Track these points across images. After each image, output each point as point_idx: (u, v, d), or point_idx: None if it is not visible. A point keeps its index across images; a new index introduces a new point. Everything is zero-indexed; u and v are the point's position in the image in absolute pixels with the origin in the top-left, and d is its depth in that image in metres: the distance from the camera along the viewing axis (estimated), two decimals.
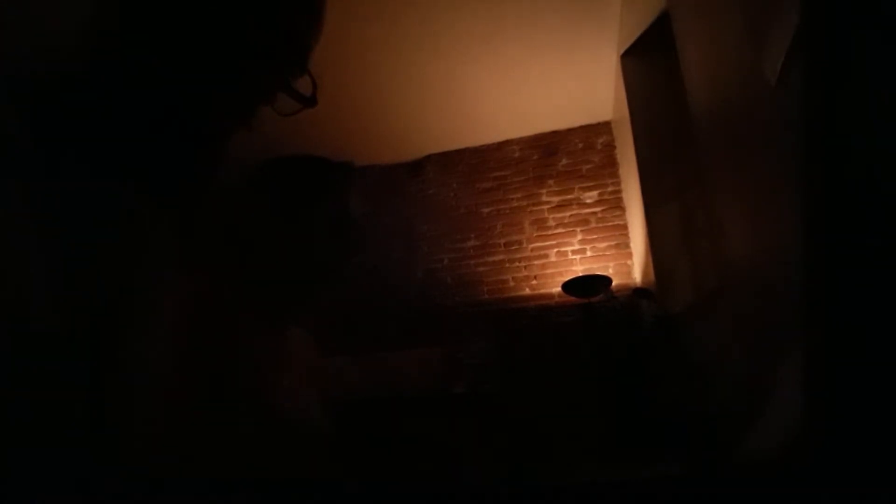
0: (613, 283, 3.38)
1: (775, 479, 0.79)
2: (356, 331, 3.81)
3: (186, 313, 0.65)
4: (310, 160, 0.99)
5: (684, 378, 2.26)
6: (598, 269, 3.63)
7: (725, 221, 1.62)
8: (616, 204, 3.82)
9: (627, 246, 3.69)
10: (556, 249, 3.84)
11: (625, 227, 3.74)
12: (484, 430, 3.16)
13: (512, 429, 3.29)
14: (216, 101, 0.60)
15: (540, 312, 3.71)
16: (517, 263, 3.89)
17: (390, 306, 3.94)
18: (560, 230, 3.88)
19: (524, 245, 3.92)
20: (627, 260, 3.66)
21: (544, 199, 3.98)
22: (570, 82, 3.59)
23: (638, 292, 3.15)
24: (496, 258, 3.94)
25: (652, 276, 2.86)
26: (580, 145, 4.03)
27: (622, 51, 3.11)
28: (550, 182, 4.00)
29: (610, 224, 3.79)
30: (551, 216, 3.93)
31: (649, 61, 2.94)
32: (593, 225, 3.82)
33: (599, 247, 3.76)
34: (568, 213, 3.90)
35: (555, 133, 4.09)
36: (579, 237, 3.82)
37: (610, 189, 3.86)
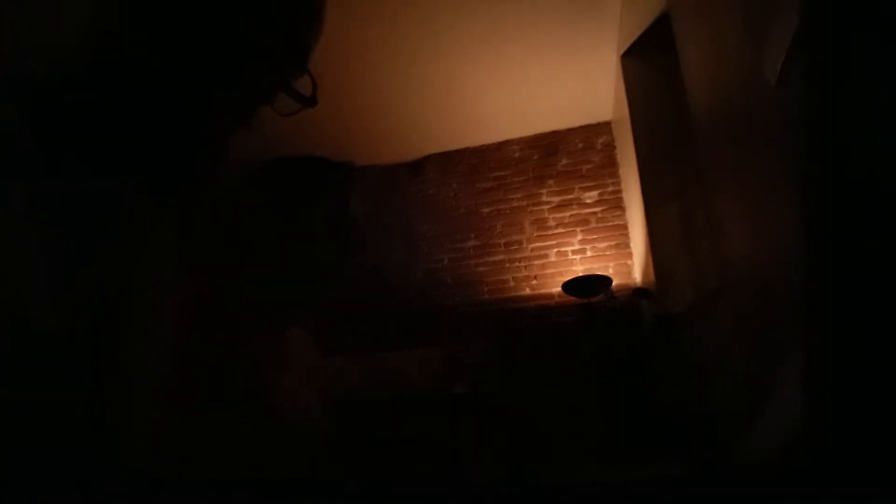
0: (613, 283, 3.38)
1: (775, 479, 0.79)
2: (356, 331, 3.81)
3: (186, 313, 0.65)
4: (310, 160, 0.99)
5: (684, 378, 2.26)
6: (598, 269, 3.63)
7: (725, 221, 1.62)
8: (616, 204, 3.82)
9: (627, 246, 3.69)
10: (556, 249, 3.84)
11: (625, 227, 3.74)
12: (484, 430, 3.16)
13: (512, 429, 3.29)
14: (216, 101, 0.60)
15: (540, 312, 3.71)
16: (517, 263, 3.89)
17: (390, 306, 3.94)
18: (560, 230, 3.88)
19: (524, 245, 3.92)
20: (627, 260, 3.66)
21: (544, 199, 3.98)
22: (570, 82, 3.59)
23: (638, 292, 3.15)
24: (496, 258, 3.94)
25: (652, 276, 2.86)
26: (580, 145, 4.03)
27: (622, 51, 3.11)
28: (550, 182, 4.00)
29: (610, 224, 3.79)
30: (551, 216, 3.93)
31: (649, 61, 2.94)
32: (593, 225, 3.82)
33: (599, 247, 3.76)
34: (568, 213, 3.90)
35: (555, 133, 4.09)
36: (579, 237, 3.82)
37: (610, 189, 3.86)
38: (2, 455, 0.44)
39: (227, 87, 0.60)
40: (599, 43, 3.22)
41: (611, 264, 3.67)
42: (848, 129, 0.65)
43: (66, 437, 0.47)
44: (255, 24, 0.59)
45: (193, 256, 0.76)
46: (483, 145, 4.21)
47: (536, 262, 3.85)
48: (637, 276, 3.51)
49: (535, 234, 3.92)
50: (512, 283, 3.86)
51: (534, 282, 3.81)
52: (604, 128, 4.01)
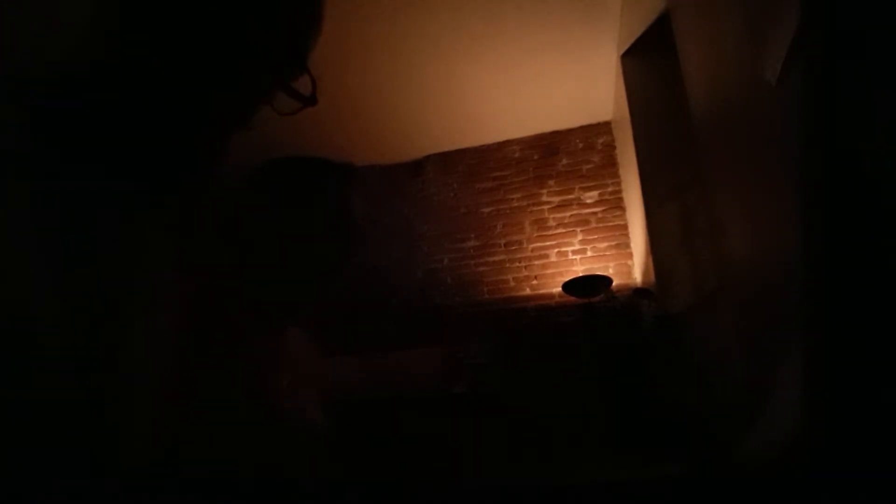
0: (613, 283, 3.38)
1: (775, 479, 0.79)
2: (356, 331, 3.81)
3: (186, 313, 0.65)
4: (310, 160, 0.99)
5: (684, 378, 2.26)
6: (598, 269, 3.63)
7: (725, 221, 1.62)
8: (616, 204, 3.82)
9: (627, 246, 3.69)
10: (556, 249, 3.84)
11: (625, 227, 3.74)
12: (484, 430, 3.16)
13: (512, 429, 3.29)
14: (216, 101, 0.60)
15: (540, 312, 3.71)
16: (517, 263, 3.89)
17: (390, 306, 3.95)
18: (560, 230, 3.88)
19: (524, 245, 3.92)
20: (627, 260, 3.66)
21: (544, 199, 3.98)
22: (570, 82, 3.59)
23: (638, 292, 3.15)
24: (496, 258, 3.94)
25: (652, 276, 2.86)
26: (580, 145, 4.03)
27: (622, 51, 3.11)
28: (551, 182, 4.00)
29: (610, 224, 3.79)
30: (551, 216, 3.93)
31: (649, 61, 2.94)
32: (593, 225, 3.82)
33: (600, 247, 3.76)
34: (568, 213, 3.90)
35: (555, 133, 4.09)
36: (580, 237, 3.82)
37: (610, 189, 3.86)
38: (2, 455, 0.44)
39: (227, 87, 0.60)
40: (599, 43, 3.22)
41: (611, 264, 3.67)
42: (848, 129, 0.65)
43: (66, 437, 0.47)
44: (255, 24, 0.59)
45: (193, 256, 0.76)
46: (483, 145, 4.21)
47: (536, 262, 3.85)
48: (637, 276, 3.51)
49: (535, 234, 3.92)
50: (512, 283, 3.86)
51: (534, 282, 3.81)
52: (604, 128, 4.01)
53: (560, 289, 3.47)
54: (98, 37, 0.57)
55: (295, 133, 1.96)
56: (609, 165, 3.92)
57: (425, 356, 3.65)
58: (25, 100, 0.52)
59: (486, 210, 4.07)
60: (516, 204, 4.02)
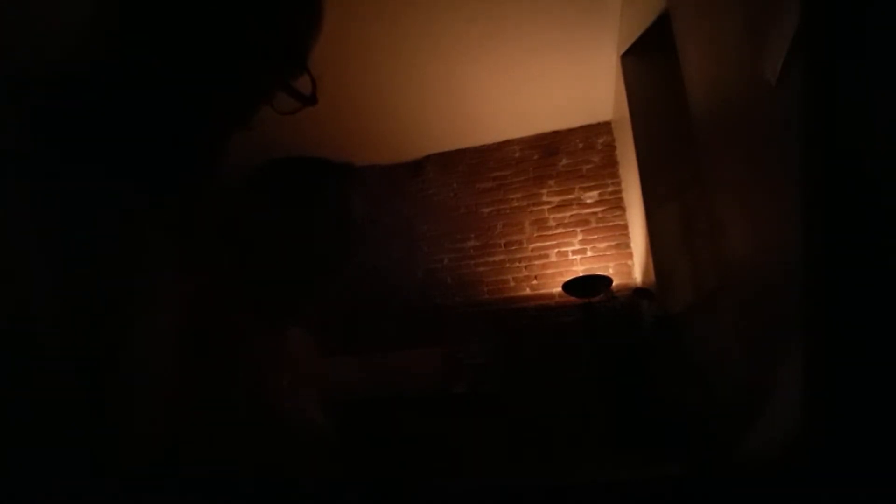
0: (613, 283, 3.38)
1: (775, 479, 0.79)
2: (356, 331, 3.81)
3: (186, 313, 0.65)
4: (310, 160, 0.99)
5: (684, 378, 2.26)
6: (598, 269, 3.63)
7: (725, 221, 1.62)
8: (616, 204, 3.82)
9: (627, 246, 3.69)
10: (556, 249, 3.84)
11: (625, 227, 3.74)
12: (484, 430, 3.16)
13: (512, 429, 3.29)
14: (216, 101, 0.60)
15: (540, 312, 3.71)
16: (517, 263, 3.89)
17: (390, 306, 3.95)
18: (560, 230, 3.88)
19: (524, 245, 3.92)
20: (627, 260, 3.66)
21: (544, 199, 3.98)
22: (570, 82, 3.59)
23: (638, 292, 3.15)
24: (496, 258, 3.94)
25: (652, 276, 2.86)
26: (580, 145, 4.03)
27: (622, 51, 3.11)
28: (551, 182, 4.00)
29: (610, 224, 3.79)
30: (552, 216, 3.93)
31: (649, 61, 2.94)
32: (593, 225, 3.82)
33: (600, 247, 3.76)
34: (568, 213, 3.90)
35: (555, 133, 4.09)
36: (580, 237, 3.82)
37: (610, 189, 3.86)
38: (2, 455, 0.44)
39: (227, 87, 0.60)
40: (599, 43, 3.22)
41: (611, 264, 3.68)
42: (848, 129, 0.65)
43: (66, 437, 0.47)
44: (255, 24, 0.59)
45: (193, 256, 0.76)
46: (483, 145, 4.21)
47: (536, 262, 3.85)
48: (637, 276, 3.51)
49: (535, 234, 3.92)
50: (512, 283, 3.86)
51: (534, 282, 3.81)
52: (604, 128, 4.01)
53: (560, 289, 3.47)
54: (98, 37, 0.57)
55: (295, 133, 1.96)
56: (609, 165, 3.92)
57: (425, 356, 3.65)
58: (25, 100, 0.52)
59: (486, 210, 4.07)
60: (516, 204, 4.02)
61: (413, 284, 4.01)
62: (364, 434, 2.80)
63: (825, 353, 0.66)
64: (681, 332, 2.45)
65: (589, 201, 3.88)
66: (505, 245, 3.96)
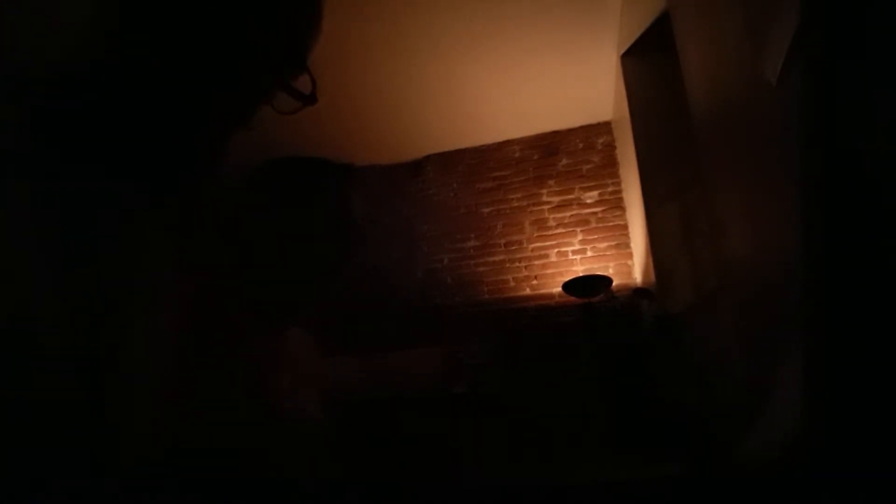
0: (613, 283, 3.38)
1: (775, 479, 0.79)
2: (356, 331, 3.81)
3: (186, 313, 0.65)
4: (310, 160, 0.99)
5: (684, 378, 2.26)
6: (598, 269, 3.63)
7: (725, 221, 1.62)
8: (616, 204, 3.82)
9: (627, 246, 3.69)
10: (556, 249, 3.84)
11: (625, 227, 3.74)
12: (484, 430, 3.16)
13: (512, 429, 3.29)
14: (216, 101, 0.60)
15: (540, 312, 3.71)
16: (517, 263, 3.89)
17: (390, 306, 3.95)
18: (560, 230, 3.88)
19: (524, 245, 3.92)
20: (627, 260, 3.66)
21: (545, 199, 3.98)
22: (570, 82, 3.59)
23: (638, 292, 3.15)
24: (496, 258, 3.94)
25: (652, 276, 2.86)
26: (580, 145, 4.03)
27: (622, 51, 3.11)
28: (551, 182, 4.00)
29: (610, 224, 3.79)
30: (552, 216, 3.93)
31: (649, 61, 2.94)
32: (593, 225, 3.82)
33: (600, 247, 3.76)
34: (568, 213, 3.90)
35: (555, 133, 4.09)
36: (580, 237, 3.82)
37: (610, 189, 3.86)
38: (2, 455, 0.44)
39: (227, 87, 0.60)
40: (599, 43, 3.22)
41: (611, 264, 3.67)
42: (848, 129, 0.64)
43: (66, 437, 0.47)
44: (255, 24, 0.59)
45: (193, 256, 0.76)
46: (483, 145, 4.21)
47: (536, 262, 3.85)
48: (637, 276, 3.51)
49: (535, 234, 3.92)
50: (512, 283, 3.86)
51: (534, 282, 3.81)
52: (604, 128, 4.01)
53: (560, 289, 3.47)
54: (98, 37, 0.57)
55: (295, 133, 1.96)
56: (609, 165, 3.92)
57: (425, 356, 3.65)
58: (25, 100, 0.52)
59: (486, 210, 4.07)
60: (516, 204, 4.02)
61: (413, 284, 4.01)
62: (364, 434, 2.80)
63: (825, 353, 0.66)
64: (681, 332, 2.45)
65: (589, 201, 3.88)
66: (505, 245, 3.96)
